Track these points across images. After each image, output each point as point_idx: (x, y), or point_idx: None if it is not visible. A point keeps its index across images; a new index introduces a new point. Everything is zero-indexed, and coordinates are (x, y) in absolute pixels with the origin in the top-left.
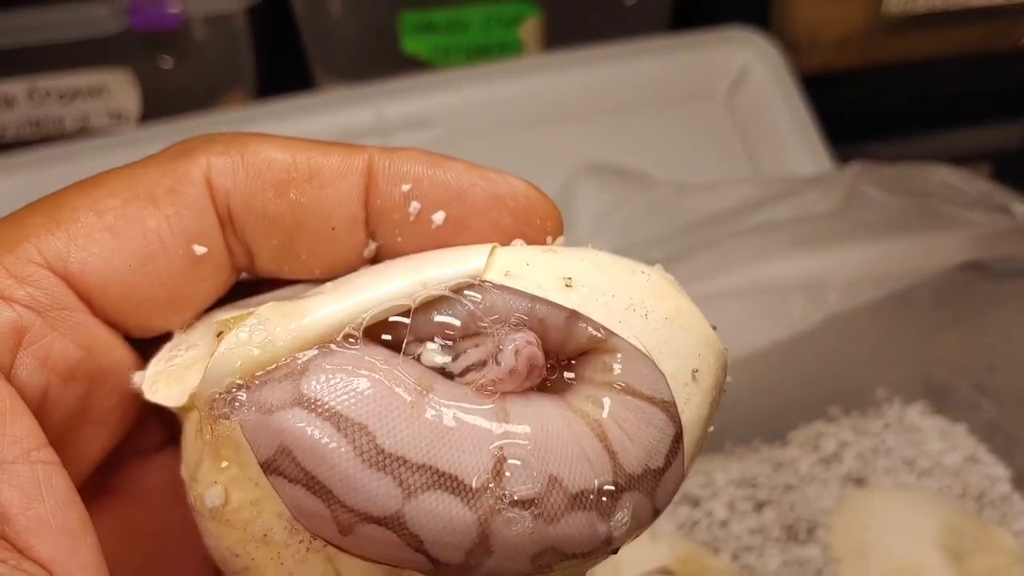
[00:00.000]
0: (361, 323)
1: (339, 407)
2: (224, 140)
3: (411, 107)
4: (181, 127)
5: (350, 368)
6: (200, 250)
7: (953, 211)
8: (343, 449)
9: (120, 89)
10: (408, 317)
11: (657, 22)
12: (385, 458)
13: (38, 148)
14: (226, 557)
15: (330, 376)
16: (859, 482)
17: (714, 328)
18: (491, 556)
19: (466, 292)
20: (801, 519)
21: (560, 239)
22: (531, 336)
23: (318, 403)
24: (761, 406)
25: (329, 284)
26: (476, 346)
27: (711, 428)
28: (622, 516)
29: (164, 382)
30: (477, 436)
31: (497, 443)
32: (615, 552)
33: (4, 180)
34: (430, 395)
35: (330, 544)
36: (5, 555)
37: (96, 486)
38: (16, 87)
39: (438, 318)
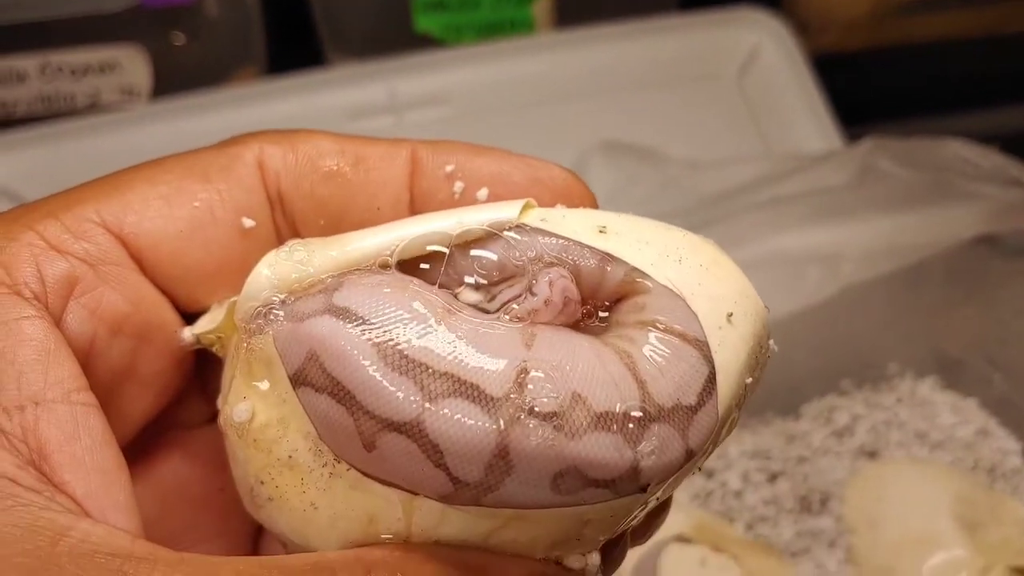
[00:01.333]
0: (396, 249)
1: (367, 315)
2: (275, 132)
3: (423, 84)
4: (192, 103)
5: (383, 285)
6: (249, 223)
7: (967, 185)
8: (367, 352)
9: (132, 65)
10: (444, 252)
11: (668, 2)
12: (408, 363)
13: (49, 124)
14: (252, 487)
15: (362, 289)
16: (872, 455)
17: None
18: (511, 473)
19: (503, 232)
20: (814, 490)
21: None
22: (565, 272)
23: (347, 311)
24: (775, 379)
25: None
26: (511, 286)
27: (749, 380)
28: (649, 446)
29: (205, 320)
30: (501, 350)
31: (521, 358)
32: (643, 490)
33: (16, 156)
34: (459, 315)
35: (354, 467)
36: (40, 487)
37: (137, 451)
38: (28, 62)
39: (474, 252)
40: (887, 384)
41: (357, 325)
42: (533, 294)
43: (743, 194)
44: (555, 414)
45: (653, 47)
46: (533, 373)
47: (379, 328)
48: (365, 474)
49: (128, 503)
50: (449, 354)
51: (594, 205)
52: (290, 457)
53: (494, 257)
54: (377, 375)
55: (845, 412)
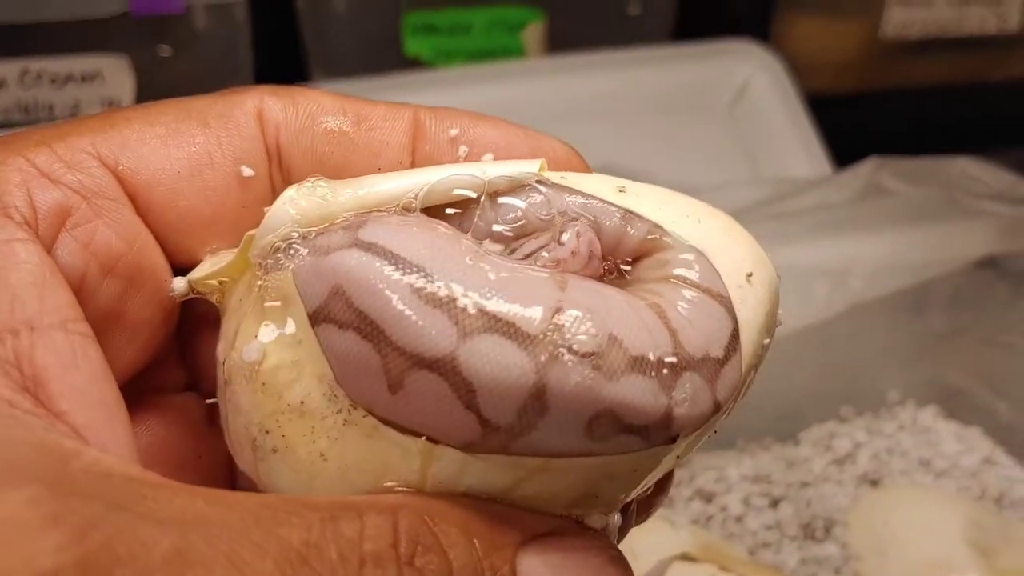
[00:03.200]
0: (421, 192)
1: (397, 250)
2: (274, 86)
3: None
4: None
5: (410, 223)
6: (248, 172)
7: (976, 203)
8: (400, 284)
9: (115, 76)
10: (471, 198)
11: (660, 32)
12: (441, 298)
13: None
14: (255, 438)
15: (389, 226)
16: (874, 483)
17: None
18: (545, 415)
19: (527, 185)
20: (817, 517)
21: None
22: (588, 226)
23: (375, 246)
24: (775, 402)
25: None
26: (535, 238)
27: (767, 341)
28: (682, 393)
29: (204, 265)
30: (536, 290)
31: (556, 298)
32: (673, 440)
33: None
34: (491, 257)
35: (371, 414)
36: (40, 411)
37: None
38: (7, 68)
39: (502, 200)
40: (888, 412)
41: (386, 259)
42: (560, 243)
43: (744, 214)
44: (594, 354)
45: (646, 76)
46: (569, 311)
47: (409, 263)
48: (383, 420)
49: (130, 439)
50: (484, 291)
51: None
52: (302, 403)
53: (522, 206)
54: (409, 309)
55: (846, 439)
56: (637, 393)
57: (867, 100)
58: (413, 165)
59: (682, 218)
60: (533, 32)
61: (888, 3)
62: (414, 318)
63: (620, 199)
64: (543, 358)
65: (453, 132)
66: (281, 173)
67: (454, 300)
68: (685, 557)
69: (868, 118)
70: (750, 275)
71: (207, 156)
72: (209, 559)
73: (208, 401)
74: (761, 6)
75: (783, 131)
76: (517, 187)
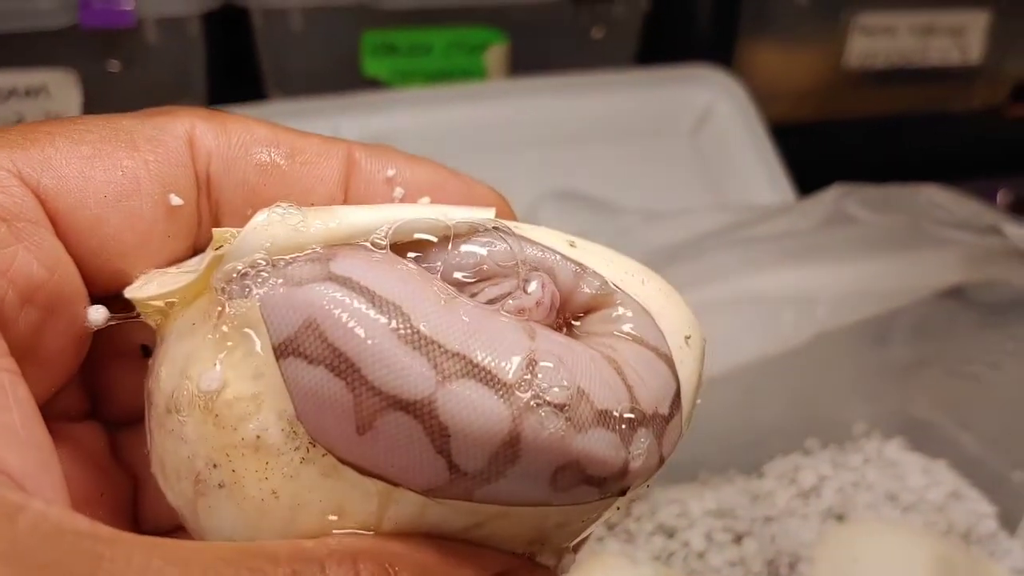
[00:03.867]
0: (389, 229)
1: (372, 286)
2: (204, 109)
3: (368, 125)
4: None
5: (380, 260)
6: (176, 200)
7: (942, 231)
8: (378, 323)
9: (61, 91)
10: (427, 242)
11: (624, 57)
12: (420, 339)
13: None
14: (199, 471)
15: (362, 260)
16: (840, 517)
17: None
18: (515, 463)
19: (487, 230)
20: (783, 553)
21: None
22: (551, 282)
23: (351, 280)
24: (738, 435)
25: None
26: (495, 285)
27: (699, 401)
28: (638, 448)
29: (151, 285)
30: (510, 338)
31: (529, 347)
32: (623, 493)
33: None
34: (461, 299)
35: (332, 453)
36: None
37: None
38: None
39: (465, 248)
40: (853, 444)
41: (362, 295)
42: (526, 292)
43: (707, 240)
44: (566, 405)
45: (608, 100)
46: (543, 363)
47: (385, 301)
48: (344, 461)
49: (63, 484)
50: (460, 335)
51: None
52: (258, 437)
53: (483, 253)
54: (389, 349)
55: (811, 472)
56: (602, 446)
57: (830, 128)
58: (346, 203)
59: (628, 276)
60: (495, 54)
61: (851, 33)
62: (394, 359)
63: (572, 253)
64: (519, 407)
65: (390, 172)
66: (209, 203)
67: (433, 342)
68: None
69: (830, 146)
70: (688, 337)
71: (134, 181)
72: None
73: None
74: (724, 32)
75: (746, 157)
76: (474, 232)
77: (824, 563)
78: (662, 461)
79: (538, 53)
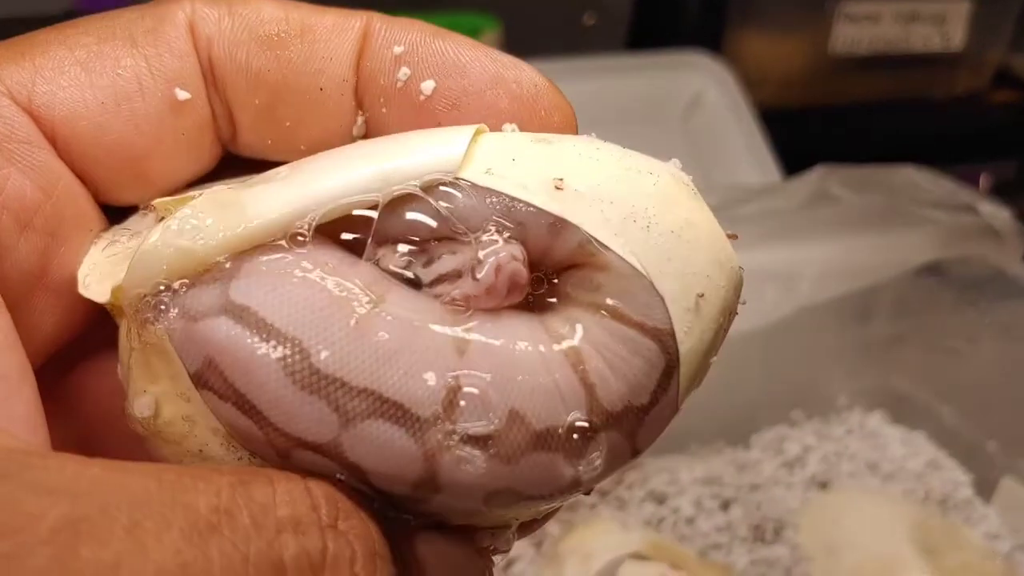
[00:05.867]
0: (312, 222)
1: (270, 317)
2: None
3: None
4: None
5: (289, 272)
6: (183, 94)
7: (920, 210)
8: (272, 367)
9: None
10: (374, 212)
11: (615, 43)
12: (320, 379)
13: None
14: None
15: (264, 281)
16: (823, 485)
17: (732, 237)
18: (440, 492)
19: (440, 189)
20: (768, 519)
21: None
22: (517, 249)
23: (247, 311)
24: (726, 409)
25: (283, 168)
26: (452, 253)
27: (715, 358)
28: (595, 457)
29: (98, 275)
30: (430, 360)
31: (453, 371)
32: (587, 493)
33: None
34: (383, 307)
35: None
36: None
37: (57, 377)
38: None
39: (409, 215)
40: (837, 416)
41: (258, 331)
42: (475, 278)
43: None
44: (489, 438)
45: (599, 85)
46: (466, 389)
47: (283, 336)
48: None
49: (31, 417)
50: (369, 366)
51: (568, 118)
52: (201, 451)
53: (432, 224)
54: (285, 395)
55: (796, 443)
56: (538, 472)
57: (815, 113)
58: (357, 83)
59: (628, 223)
60: (488, 40)
61: (836, 20)
62: (290, 405)
63: (553, 198)
64: (432, 445)
65: (398, 50)
66: (217, 93)
67: (334, 380)
68: (636, 556)
69: (814, 131)
70: (701, 296)
71: (135, 81)
72: (104, 530)
73: None
74: (714, 19)
75: (734, 141)
76: (431, 187)
77: (807, 529)
78: (636, 454)
79: (530, 39)
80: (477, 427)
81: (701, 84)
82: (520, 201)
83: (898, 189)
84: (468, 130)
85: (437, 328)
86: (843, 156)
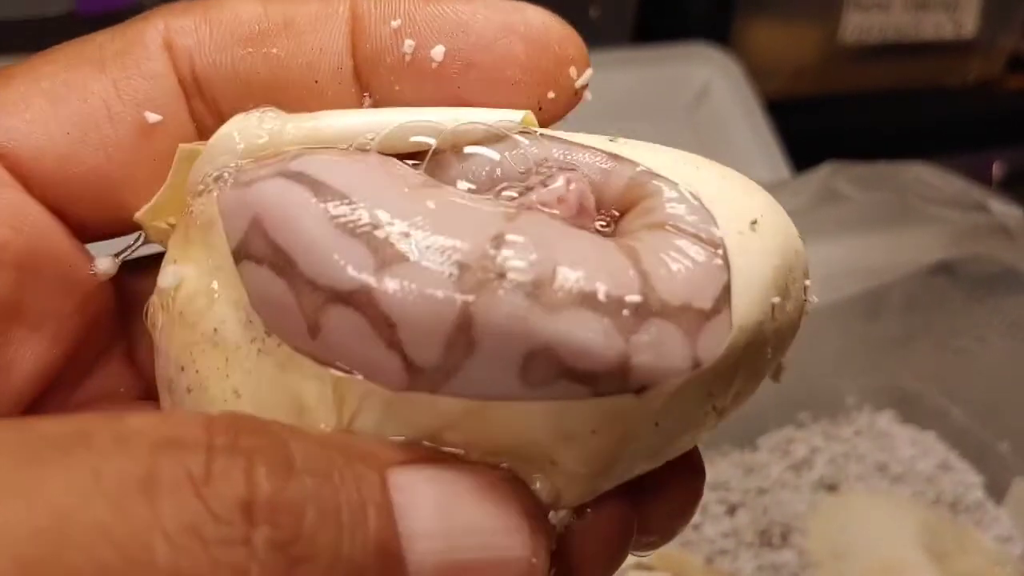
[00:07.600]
0: (379, 135)
1: (323, 178)
2: (183, 3)
3: None
4: None
5: (355, 157)
6: (153, 117)
7: (929, 208)
8: (314, 211)
9: None
10: (431, 147)
11: (620, 35)
12: (360, 224)
13: None
14: (172, 379)
15: (325, 157)
16: (831, 488)
17: None
18: (473, 353)
19: (507, 134)
20: (775, 523)
21: (587, 72)
22: (584, 180)
23: (301, 175)
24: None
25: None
26: (510, 190)
27: (777, 299)
28: (647, 338)
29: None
30: (480, 220)
31: (499, 227)
32: (638, 393)
33: None
34: (442, 188)
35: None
36: None
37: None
38: None
39: (470, 150)
40: (845, 417)
41: (309, 187)
42: (545, 186)
43: None
44: (532, 282)
45: (605, 79)
46: (511, 237)
47: (332, 190)
48: (299, 351)
49: None
50: (415, 219)
51: (581, 51)
52: (215, 331)
53: (495, 157)
54: (323, 237)
55: (803, 444)
56: (581, 330)
57: (825, 104)
58: (357, 70)
59: (679, 164)
60: None
61: (846, 8)
62: (326, 246)
63: (609, 147)
64: (471, 285)
65: (395, 24)
66: (207, 106)
67: (375, 227)
68: (641, 566)
69: (826, 121)
70: (754, 222)
71: (104, 108)
72: None
73: None
74: (720, 10)
75: (742, 134)
76: (493, 139)
77: (815, 533)
78: (697, 364)
79: None
80: (520, 266)
81: (708, 76)
82: (578, 146)
83: (907, 186)
84: (521, 112)
85: (489, 202)
86: (854, 146)
